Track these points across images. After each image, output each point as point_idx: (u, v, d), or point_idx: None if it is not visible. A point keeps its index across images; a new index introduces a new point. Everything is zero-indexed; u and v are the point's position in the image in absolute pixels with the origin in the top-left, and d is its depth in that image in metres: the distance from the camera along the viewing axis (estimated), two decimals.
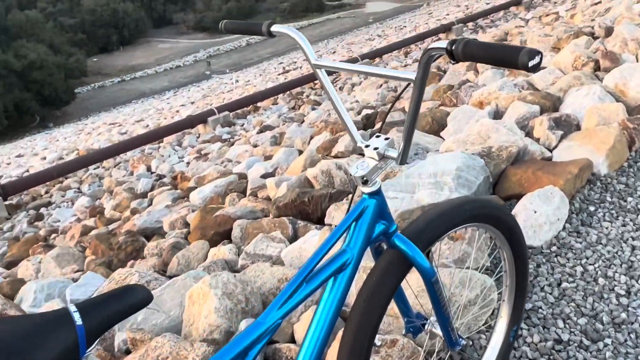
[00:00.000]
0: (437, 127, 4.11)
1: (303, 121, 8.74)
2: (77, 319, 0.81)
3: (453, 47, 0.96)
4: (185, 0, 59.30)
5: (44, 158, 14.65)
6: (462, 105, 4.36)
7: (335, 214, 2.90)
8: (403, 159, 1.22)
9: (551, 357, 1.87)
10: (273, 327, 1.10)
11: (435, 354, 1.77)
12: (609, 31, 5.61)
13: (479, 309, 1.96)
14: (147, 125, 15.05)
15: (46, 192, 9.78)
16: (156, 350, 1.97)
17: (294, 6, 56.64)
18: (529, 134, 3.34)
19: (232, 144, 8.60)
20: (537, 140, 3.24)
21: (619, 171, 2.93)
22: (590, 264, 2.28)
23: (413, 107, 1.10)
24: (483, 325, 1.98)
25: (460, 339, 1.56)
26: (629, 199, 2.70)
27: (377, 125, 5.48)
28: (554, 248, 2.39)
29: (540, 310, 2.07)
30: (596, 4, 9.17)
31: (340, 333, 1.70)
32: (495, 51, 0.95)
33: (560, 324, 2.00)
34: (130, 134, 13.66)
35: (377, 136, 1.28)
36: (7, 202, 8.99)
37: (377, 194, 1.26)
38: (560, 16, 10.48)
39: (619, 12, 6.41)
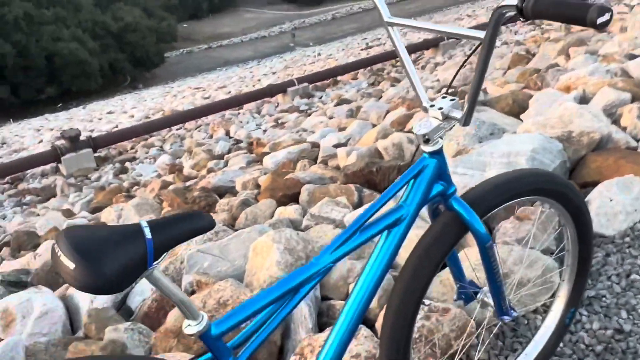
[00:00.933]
0: (518, 110, 3.99)
1: (381, 97, 8.72)
2: (148, 233, 0.91)
3: (523, 4, 0.95)
4: None
5: (132, 116, 15.52)
6: (546, 89, 4.20)
7: None
8: (467, 121, 1.22)
9: (609, 345, 1.82)
10: (324, 269, 1.15)
11: (485, 325, 1.78)
12: None
13: (538, 290, 1.94)
14: (229, 92, 15.50)
15: (132, 148, 10.36)
16: (218, 292, 2.11)
17: None
18: (615, 121, 3.20)
19: (309, 115, 8.74)
20: (624, 129, 3.10)
21: None
22: None
23: (480, 67, 1.10)
24: (540, 305, 1.96)
25: (512, 311, 1.55)
26: None
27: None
28: (627, 239, 2.31)
29: (604, 298, 2.02)
30: None
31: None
32: (565, 8, 0.93)
33: (624, 314, 1.94)
34: (212, 99, 14.13)
35: (444, 97, 1.28)
36: (96, 154, 9.56)
37: (438, 153, 1.27)
38: None
39: None
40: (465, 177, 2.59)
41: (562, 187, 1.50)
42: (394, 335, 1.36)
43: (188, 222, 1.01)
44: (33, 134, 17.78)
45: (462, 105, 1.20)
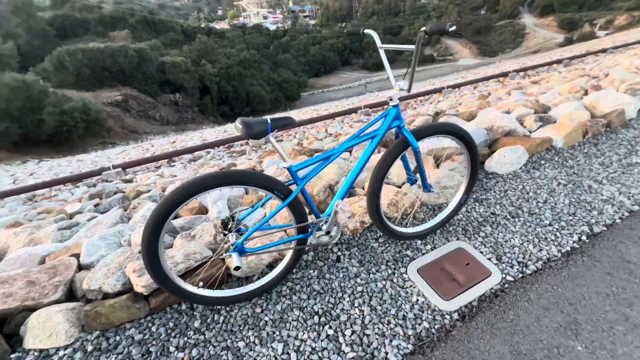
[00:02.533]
0: (471, 118, 3.83)
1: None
2: (268, 120, 1.15)
3: (427, 29, 1.07)
4: (360, 51, 57.77)
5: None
6: (489, 108, 3.97)
7: None
8: (409, 90, 1.30)
9: (486, 218, 1.87)
10: (341, 150, 1.27)
11: (419, 198, 1.90)
12: (606, 74, 4.49)
13: (454, 188, 2.00)
14: (326, 109, 15.38)
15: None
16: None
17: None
18: (521, 122, 3.02)
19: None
20: (524, 126, 2.93)
21: (570, 147, 2.57)
22: (528, 186, 2.14)
23: (413, 62, 1.22)
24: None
25: (431, 188, 1.63)
26: (570, 161, 2.39)
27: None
28: (510, 176, 2.27)
29: (490, 200, 2.03)
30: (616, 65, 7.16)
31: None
32: (438, 26, 1.03)
33: (498, 207, 1.95)
34: (318, 114, 14.16)
35: (400, 79, 1.35)
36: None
37: (396, 106, 1.36)
38: (583, 69, 8.37)
39: (623, 65, 5.03)
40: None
41: (462, 131, 1.50)
42: (371, 198, 1.43)
43: (286, 119, 1.22)
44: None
45: (408, 84, 1.32)
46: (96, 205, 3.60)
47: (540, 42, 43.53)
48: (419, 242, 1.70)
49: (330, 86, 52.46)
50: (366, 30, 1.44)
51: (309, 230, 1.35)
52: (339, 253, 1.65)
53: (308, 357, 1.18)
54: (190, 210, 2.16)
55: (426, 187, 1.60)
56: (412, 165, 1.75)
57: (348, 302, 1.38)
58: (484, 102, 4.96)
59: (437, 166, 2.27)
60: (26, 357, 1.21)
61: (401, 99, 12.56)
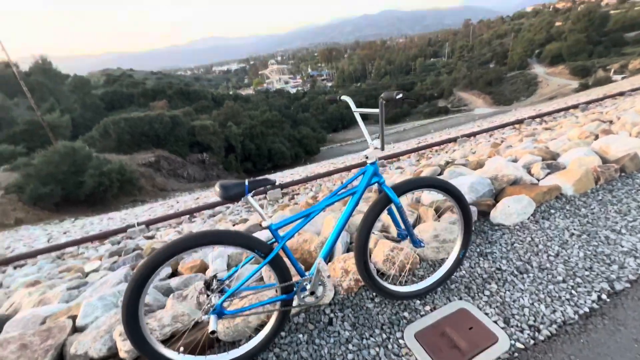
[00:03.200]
0: (478, 167, 3.80)
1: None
2: (246, 183, 1.21)
3: (382, 96, 1.16)
4: (375, 107, 60.79)
5: (299, 174, 16.28)
6: (497, 156, 3.95)
7: None
8: (382, 148, 1.34)
9: (492, 275, 1.75)
10: (321, 208, 1.27)
11: (415, 254, 1.82)
12: (618, 118, 4.41)
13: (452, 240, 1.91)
14: (343, 162, 15.61)
15: (299, 189, 11.07)
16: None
17: (432, 110, 53.71)
18: (528, 170, 2.95)
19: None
20: (532, 175, 2.86)
21: (582, 194, 2.44)
22: (537, 238, 2.00)
23: (380, 122, 1.30)
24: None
25: (421, 243, 1.56)
26: (583, 209, 2.25)
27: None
28: (517, 227, 2.15)
29: (495, 254, 1.92)
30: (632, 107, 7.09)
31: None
32: (390, 93, 1.11)
33: (504, 262, 1.83)
34: (335, 167, 14.44)
35: (374, 139, 1.41)
36: (282, 191, 10.16)
37: (373, 164, 1.37)
38: (600, 112, 8.29)
39: (636, 109, 4.95)
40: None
41: (445, 185, 1.46)
42: (358, 255, 1.40)
43: (264, 181, 1.28)
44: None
45: (380, 142, 1.38)
46: (114, 262, 3.71)
47: (555, 89, 44.02)
48: (418, 302, 1.60)
49: (348, 140, 54.62)
50: (342, 97, 1.57)
51: (294, 290, 1.33)
52: (332, 315, 1.56)
53: None
54: (190, 269, 2.18)
55: (415, 243, 1.55)
56: (412, 218, 1.75)
57: None
58: (493, 150, 4.95)
59: (439, 218, 2.22)
60: None
61: (417, 148, 12.60)
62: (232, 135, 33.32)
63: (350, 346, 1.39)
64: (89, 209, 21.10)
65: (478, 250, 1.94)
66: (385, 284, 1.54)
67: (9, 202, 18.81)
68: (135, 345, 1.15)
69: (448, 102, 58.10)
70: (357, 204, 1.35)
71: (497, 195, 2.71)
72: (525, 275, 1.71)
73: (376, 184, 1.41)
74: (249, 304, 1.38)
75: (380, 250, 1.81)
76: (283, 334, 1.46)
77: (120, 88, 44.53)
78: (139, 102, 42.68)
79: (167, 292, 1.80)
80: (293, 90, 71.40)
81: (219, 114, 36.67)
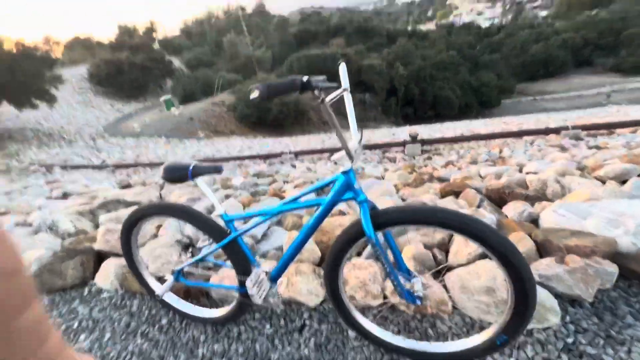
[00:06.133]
0: None
1: None
2: (190, 167, 1.08)
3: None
4: (613, 47, 41.88)
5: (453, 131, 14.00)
6: None
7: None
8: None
9: None
10: (274, 213, 1.04)
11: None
12: None
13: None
14: (522, 126, 12.17)
15: (444, 149, 9.63)
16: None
17: None
18: None
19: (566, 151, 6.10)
20: None
21: None
22: None
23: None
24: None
25: (415, 299, 1.01)
26: None
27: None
28: None
29: None
30: None
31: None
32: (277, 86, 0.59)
33: None
34: (505, 130, 11.52)
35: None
36: (422, 148, 9.31)
37: (347, 173, 0.92)
38: None
39: None
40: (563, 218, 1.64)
41: (473, 226, 0.82)
42: (328, 280, 1.09)
43: (212, 168, 1.09)
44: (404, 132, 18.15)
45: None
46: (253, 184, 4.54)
47: None
48: None
49: (548, 93, 41.18)
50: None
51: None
52: (308, 321, 1.36)
53: None
54: None
55: (405, 295, 1.01)
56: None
57: None
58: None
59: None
60: None
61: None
62: (397, 77, 31.80)
63: None
64: (272, 131, 26.67)
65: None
66: (364, 321, 1.14)
67: (228, 118, 26.31)
68: (130, 268, 1.41)
69: None
70: (321, 219, 0.98)
71: None
72: None
73: (352, 200, 0.95)
74: (216, 282, 1.38)
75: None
76: (253, 322, 1.39)
77: (310, 26, 49.40)
78: (322, 39, 46.45)
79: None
80: (486, 24, 58.02)
81: (389, 52, 35.19)
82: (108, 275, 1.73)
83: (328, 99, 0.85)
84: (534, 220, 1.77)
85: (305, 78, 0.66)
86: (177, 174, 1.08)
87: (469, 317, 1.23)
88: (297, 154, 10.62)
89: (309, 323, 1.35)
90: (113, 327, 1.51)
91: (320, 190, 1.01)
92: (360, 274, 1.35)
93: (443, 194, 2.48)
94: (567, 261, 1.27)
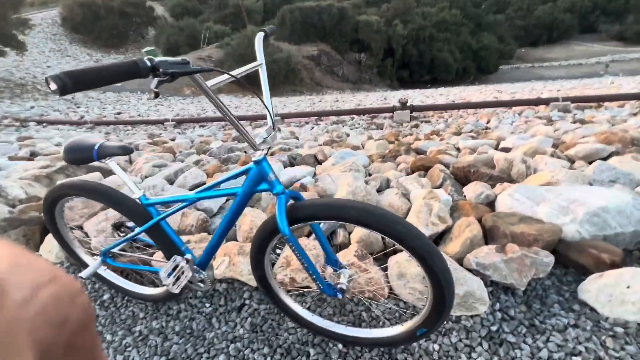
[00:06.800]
0: None
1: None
2: (95, 147, 0.98)
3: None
4: (620, 14, 39.98)
5: (447, 97, 13.72)
6: None
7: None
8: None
9: None
10: (192, 200, 0.96)
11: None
12: None
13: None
14: (514, 96, 11.94)
15: (432, 117, 9.44)
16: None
17: None
18: None
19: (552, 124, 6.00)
20: None
21: None
22: None
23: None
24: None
25: (337, 292, 0.98)
26: None
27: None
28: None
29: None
30: None
31: None
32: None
33: None
34: (497, 99, 11.35)
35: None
36: (411, 114, 9.11)
37: (259, 163, 0.83)
38: None
39: None
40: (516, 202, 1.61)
41: (390, 223, 0.77)
42: (254, 265, 1.04)
43: (119, 149, 0.98)
44: (394, 95, 17.56)
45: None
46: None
47: None
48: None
49: (548, 60, 39.90)
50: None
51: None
52: (247, 301, 1.36)
53: None
54: None
55: (325, 290, 0.98)
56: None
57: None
58: None
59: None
60: None
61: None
62: (395, 37, 30.10)
63: (231, 347, 1.19)
64: (260, 91, 25.61)
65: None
66: (292, 303, 1.13)
67: (215, 74, 24.99)
68: (61, 246, 1.36)
69: None
70: (238, 211, 0.92)
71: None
72: None
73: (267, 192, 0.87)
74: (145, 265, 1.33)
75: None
76: (194, 300, 1.38)
77: None
78: None
79: None
80: None
81: (388, 8, 32.92)
82: (52, 247, 1.68)
83: (237, 73, 0.74)
84: (491, 203, 1.75)
85: (152, 60, 0.51)
86: (81, 155, 0.97)
87: (403, 302, 1.24)
88: (283, 117, 10.30)
89: (248, 303, 1.35)
90: None
91: (236, 178, 0.92)
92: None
93: (413, 169, 2.42)
94: (507, 250, 1.26)
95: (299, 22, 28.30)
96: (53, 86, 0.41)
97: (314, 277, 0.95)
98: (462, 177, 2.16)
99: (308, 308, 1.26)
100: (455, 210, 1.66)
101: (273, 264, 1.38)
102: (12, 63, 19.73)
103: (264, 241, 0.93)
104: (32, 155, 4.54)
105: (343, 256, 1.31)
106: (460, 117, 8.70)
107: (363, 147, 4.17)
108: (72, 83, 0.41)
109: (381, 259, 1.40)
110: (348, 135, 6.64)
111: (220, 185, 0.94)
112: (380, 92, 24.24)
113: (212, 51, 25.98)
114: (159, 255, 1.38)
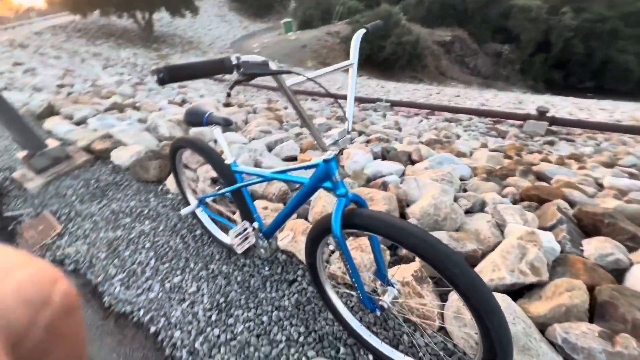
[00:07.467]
0: None
1: None
2: (206, 115, 1.11)
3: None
4: None
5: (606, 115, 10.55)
6: None
7: None
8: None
9: None
10: (268, 178, 1.03)
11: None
12: None
13: None
14: None
15: (576, 134, 7.53)
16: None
17: None
18: None
19: None
20: None
21: None
22: None
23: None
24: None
25: (379, 308, 0.95)
26: None
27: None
28: None
29: None
30: None
31: None
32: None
33: None
34: None
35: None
36: (549, 127, 7.55)
37: (328, 162, 0.81)
38: None
39: None
40: None
41: (437, 253, 0.69)
42: (307, 255, 1.06)
43: (226, 120, 1.11)
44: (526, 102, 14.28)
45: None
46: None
47: None
48: None
49: None
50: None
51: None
52: (300, 278, 1.44)
53: None
54: None
55: (365, 303, 0.94)
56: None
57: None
58: None
59: None
60: None
61: None
62: (557, 28, 24.34)
63: (274, 314, 1.30)
64: (380, 73, 25.07)
65: None
66: (335, 298, 1.13)
67: (339, 50, 25.56)
68: (177, 185, 1.70)
69: None
70: (301, 200, 0.95)
71: None
72: None
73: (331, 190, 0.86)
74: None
75: None
76: (258, 260, 1.55)
77: None
78: None
79: None
80: None
81: None
82: (174, 182, 2.12)
83: (321, 73, 0.74)
84: (619, 272, 1.34)
85: (238, 58, 0.55)
86: (194, 119, 1.16)
87: (452, 343, 1.11)
88: (392, 104, 9.93)
89: (299, 280, 1.44)
90: (166, 223, 1.90)
91: (307, 169, 0.96)
92: (357, 256, 1.31)
93: (523, 197, 2.05)
94: (617, 341, 0.97)
95: (437, 2, 25.86)
96: (155, 77, 0.49)
97: (356, 285, 0.93)
98: (588, 226, 1.70)
99: (351, 308, 1.27)
100: (561, 264, 1.34)
101: (330, 254, 1.41)
102: (187, 23, 24.54)
103: (319, 235, 0.95)
104: (183, 102, 5.69)
105: (400, 273, 1.24)
106: (623, 144, 6.68)
107: (470, 156, 3.70)
108: (169, 76, 0.49)
109: (443, 287, 1.27)
110: (458, 137, 5.95)
111: (294, 172, 1.00)
112: (516, 93, 20.51)
113: (342, 27, 26.48)
114: (238, 215, 1.60)
